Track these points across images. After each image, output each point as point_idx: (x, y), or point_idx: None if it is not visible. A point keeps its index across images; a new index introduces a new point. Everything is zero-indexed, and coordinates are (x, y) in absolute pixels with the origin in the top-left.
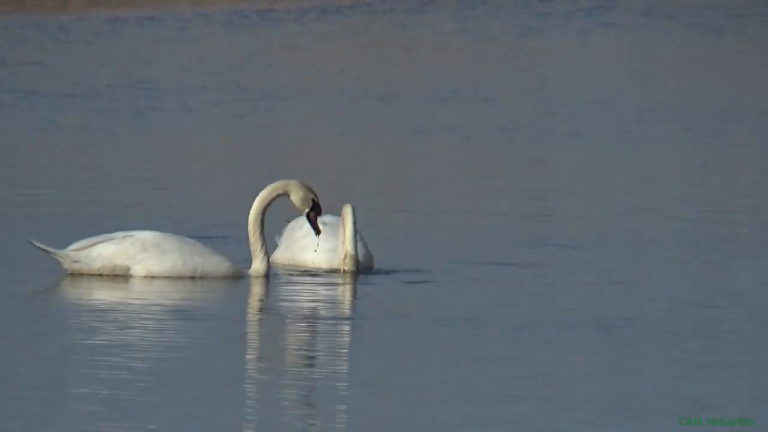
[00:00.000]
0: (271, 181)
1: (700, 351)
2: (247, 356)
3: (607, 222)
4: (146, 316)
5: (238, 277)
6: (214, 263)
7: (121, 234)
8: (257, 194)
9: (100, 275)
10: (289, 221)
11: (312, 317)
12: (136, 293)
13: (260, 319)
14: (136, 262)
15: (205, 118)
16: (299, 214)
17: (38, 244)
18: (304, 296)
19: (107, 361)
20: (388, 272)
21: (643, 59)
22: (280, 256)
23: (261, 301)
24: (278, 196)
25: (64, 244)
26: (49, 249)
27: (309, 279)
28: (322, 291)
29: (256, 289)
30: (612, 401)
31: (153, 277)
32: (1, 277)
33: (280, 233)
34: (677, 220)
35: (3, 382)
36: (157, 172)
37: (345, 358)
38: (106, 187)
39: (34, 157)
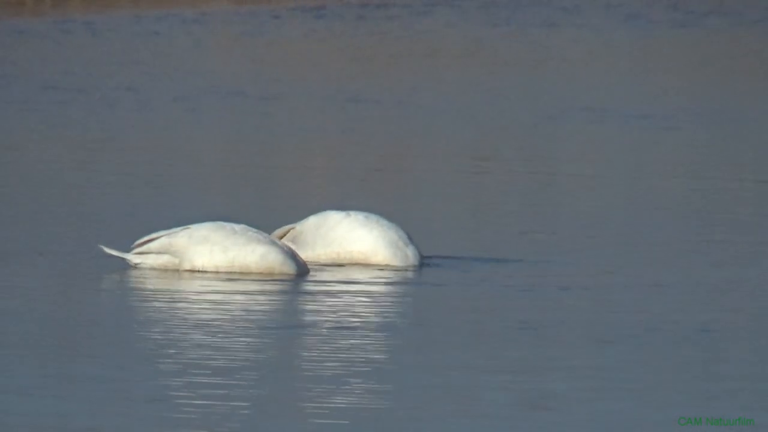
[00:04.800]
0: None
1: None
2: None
3: (608, 221)
4: (196, 319)
5: (296, 270)
6: (261, 254)
7: (178, 228)
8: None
9: (155, 270)
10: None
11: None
12: (180, 293)
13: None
14: (184, 259)
15: (206, 116)
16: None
17: (108, 250)
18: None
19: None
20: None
21: (646, 56)
22: (321, 255)
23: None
24: None
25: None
26: (120, 254)
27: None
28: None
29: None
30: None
31: (204, 272)
32: (73, 283)
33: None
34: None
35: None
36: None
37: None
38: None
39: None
